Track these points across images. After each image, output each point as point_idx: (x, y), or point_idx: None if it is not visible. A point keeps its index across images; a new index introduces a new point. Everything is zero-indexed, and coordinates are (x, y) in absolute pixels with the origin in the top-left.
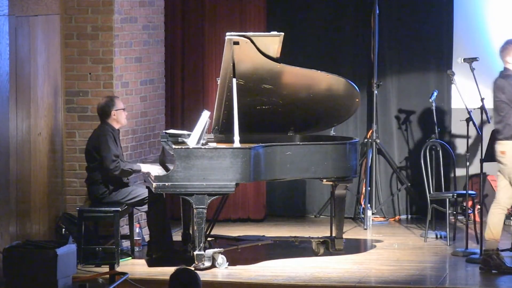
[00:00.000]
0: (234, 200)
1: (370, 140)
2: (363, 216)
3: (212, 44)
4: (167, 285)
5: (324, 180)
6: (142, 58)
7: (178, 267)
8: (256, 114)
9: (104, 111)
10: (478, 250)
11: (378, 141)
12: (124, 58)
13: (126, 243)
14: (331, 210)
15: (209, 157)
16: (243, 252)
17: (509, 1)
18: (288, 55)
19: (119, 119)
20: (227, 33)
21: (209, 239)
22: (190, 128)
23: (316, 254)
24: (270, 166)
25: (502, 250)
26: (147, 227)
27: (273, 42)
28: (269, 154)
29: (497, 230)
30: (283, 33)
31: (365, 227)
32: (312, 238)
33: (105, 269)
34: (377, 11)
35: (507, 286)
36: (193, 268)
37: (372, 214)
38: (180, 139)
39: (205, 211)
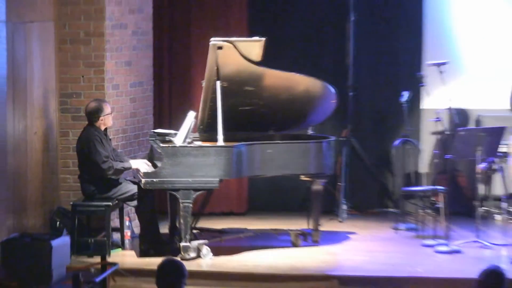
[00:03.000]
0: (218, 195)
1: (345, 139)
2: (338, 209)
3: (197, 48)
4: (155, 275)
5: (302, 176)
6: (131, 62)
7: (165, 258)
8: (239, 114)
9: (92, 116)
10: (446, 242)
11: (353, 139)
12: (115, 62)
13: (116, 235)
14: (308, 204)
15: (194, 154)
16: (226, 243)
17: (477, 6)
18: (269, 59)
19: (106, 122)
20: (212, 38)
21: (194, 231)
22: (177, 128)
23: (294, 245)
24: (251, 163)
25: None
26: (136, 220)
27: (255, 46)
28: (250, 152)
29: None
30: (264, 38)
31: (340, 220)
32: (291, 230)
33: (97, 259)
34: (352, 18)
35: (472, 275)
36: (179, 259)
37: (347, 208)
38: (167, 138)
39: (191, 205)
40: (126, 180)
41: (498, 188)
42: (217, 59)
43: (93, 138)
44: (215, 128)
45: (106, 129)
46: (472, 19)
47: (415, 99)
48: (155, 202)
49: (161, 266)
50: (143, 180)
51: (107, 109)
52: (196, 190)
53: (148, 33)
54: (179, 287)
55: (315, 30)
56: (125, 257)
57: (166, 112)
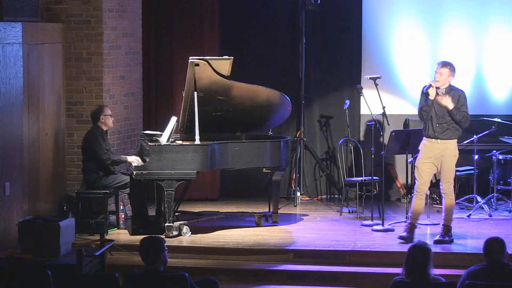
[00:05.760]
0: (196, 184)
1: (298, 138)
2: (293, 196)
3: (178, 65)
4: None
5: (264, 169)
6: (125, 76)
7: (146, 236)
8: (212, 119)
9: (95, 115)
10: (380, 222)
11: (305, 139)
12: (111, 76)
13: (113, 217)
14: (269, 192)
15: (176, 151)
16: (202, 224)
17: (406, 30)
18: (236, 73)
19: (106, 122)
20: (190, 57)
21: (176, 214)
22: (162, 130)
23: (258, 225)
24: (223, 158)
25: None
26: (129, 205)
27: (225, 64)
28: (222, 149)
29: None
30: (232, 57)
31: (295, 205)
32: (255, 213)
33: (96, 237)
34: (304, 41)
35: (402, 249)
36: (163, 236)
37: (300, 194)
38: (154, 138)
39: (173, 192)
40: (121, 172)
41: None
42: (194, 74)
43: (96, 134)
44: (193, 130)
45: (106, 130)
46: (401, 42)
47: (355, 106)
48: (144, 190)
49: (142, 241)
50: (134, 172)
51: (107, 111)
52: (177, 180)
53: (138, 53)
54: (157, 258)
55: (274, 49)
56: (120, 235)
57: (153, 117)
